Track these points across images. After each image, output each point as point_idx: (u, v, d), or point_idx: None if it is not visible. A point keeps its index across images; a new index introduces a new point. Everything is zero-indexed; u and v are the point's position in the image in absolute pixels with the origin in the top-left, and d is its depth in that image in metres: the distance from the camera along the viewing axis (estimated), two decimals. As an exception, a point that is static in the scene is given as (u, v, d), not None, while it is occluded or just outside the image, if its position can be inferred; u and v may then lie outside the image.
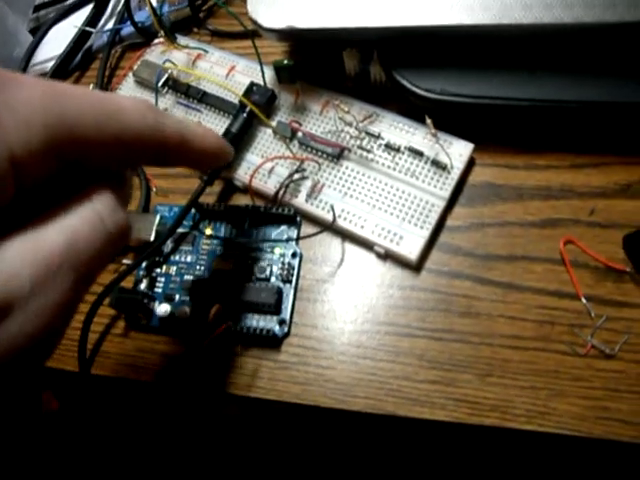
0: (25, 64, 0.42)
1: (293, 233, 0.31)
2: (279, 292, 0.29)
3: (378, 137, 0.31)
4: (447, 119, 0.30)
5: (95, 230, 0.16)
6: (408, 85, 0.29)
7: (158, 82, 0.36)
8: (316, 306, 0.29)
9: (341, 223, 0.30)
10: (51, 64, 0.41)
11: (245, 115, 0.32)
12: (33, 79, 0.16)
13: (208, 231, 0.32)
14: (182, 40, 0.38)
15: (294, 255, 0.30)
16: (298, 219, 0.31)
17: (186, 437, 0.49)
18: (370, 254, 0.30)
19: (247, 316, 0.29)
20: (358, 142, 0.31)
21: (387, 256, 0.29)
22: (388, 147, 0.30)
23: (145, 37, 0.39)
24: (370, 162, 0.30)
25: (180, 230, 0.32)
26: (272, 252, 0.30)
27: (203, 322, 0.30)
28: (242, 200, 0.33)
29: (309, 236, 0.30)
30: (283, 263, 0.30)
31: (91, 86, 0.39)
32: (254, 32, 0.32)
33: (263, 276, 0.30)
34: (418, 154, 0.30)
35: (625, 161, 0.29)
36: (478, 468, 0.42)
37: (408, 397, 0.26)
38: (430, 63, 0.29)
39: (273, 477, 0.50)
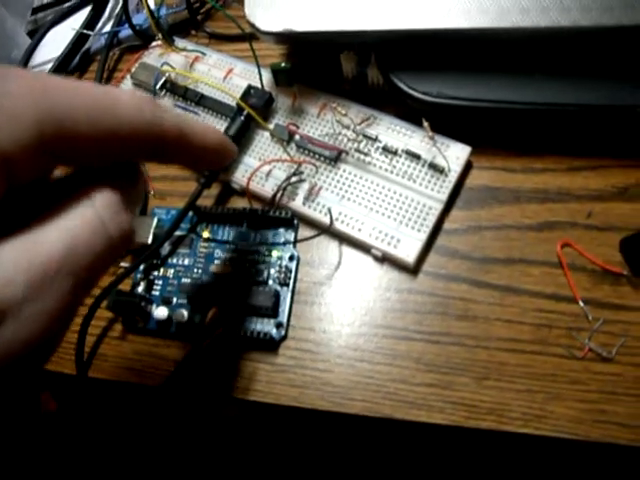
0: (23, 66, 0.42)
1: (290, 236, 0.31)
2: (276, 295, 0.29)
3: (375, 140, 0.31)
4: (444, 122, 0.30)
5: (95, 234, 0.16)
6: (405, 88, 0.29)
7: (156, 85, 0.36)
8: (313, 309, 0.29)
9: (338, 226, 0.30)
10: (49, 66, 0.41)
11: (242, 118, 0.32)
12: (24, 72, 0.15)
13: (206, 234, 0.32)
14: (180, 43, 0.38)
15: (291, 258, 0.30)
16: (295, 222, 0.31)
17: (184, 438, 0.49)
18: (367, 257, 0.30)
19: (244, 319, 0.29)
20: (355, 145, 0.31)
21: (384, 259, 0.29)
22: (385, 150, 0.30)
23: (143, 40, 0.39)
24: (367, 165, 0.30)
25: (178, 233, 0.32)
26: (269, 255, 0.30)
27: (200, 325, 0.30)
28: (240, 203, 0.33)
29: (306, 239, 0.30)
30: (280, 266, 0.30)
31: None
32: (252, 35, 0.32)
33: (260, 279, 0.30)
34: (415, 157, 0.30)
35: (622, 164, 0.29)
36: (475, 471, 0.42)
37: (405, 400, 0.26)
38: (427, 66, 0.29)
39: (271, 478, 0.50)
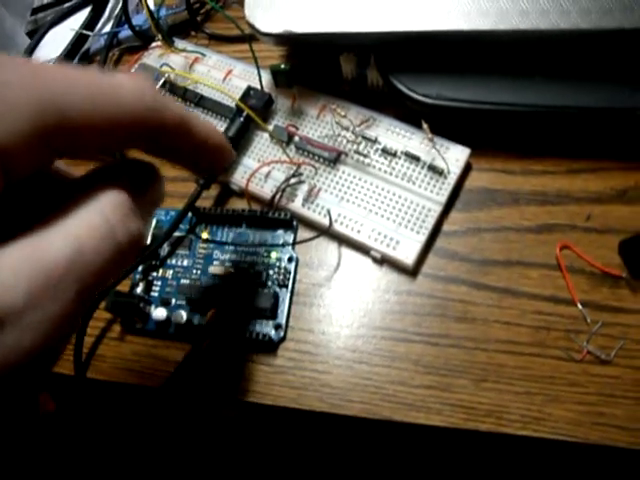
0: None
1: (289, 237, 0.31)
2: (275, 296, 0.29)
3: (375, 142, 0.31)
4: (444, 124, 0.30)
5: (103, 240, 0.15)
6: (405, 90, 0.29)
7: (155, 85, 0.36)
8: (312, 310, 0.29)
9: (337, 228, 0.30)
10: (49, 67, 0.41)
11: (242, 119, 0.32)
12: (20, 59, 0.14)
13: (205, 235, 0.32)
14: (179, 44, 0.38)
15: (290, 259, 0.30)
16: (294, 223, 0.31)
17: (183, 439, 0.49)
18: (366, 259, 0.30)
19: (243, 320, 0.29)
20: (355, 146, 0.31)
21: (383, 261, 0.29)
22: (385, 152, 0.30)
23: (143, 40, 0.39)
24: (367, 167, 0.30)
25: (177, 234, 0.32)
26: (268, 256, 0.30)
27: (199, 326, 0.30)
28: (239, 204, 0.33)
29: (305, 240, 0.30)
30: (279, 267, 0.30)
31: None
32: (251, 36, 0.32)
33: (259, 280, 0.30)
34: (415, 159, 0.30)
35: (621, 166, 0.29)
36: (473, 473, 0.42)
37: (404, 402, 0.26)
38: (427, 68, 0.29)
39: (271, 479, 0.50)
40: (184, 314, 0.30)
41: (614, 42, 0.27)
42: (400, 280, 0.29)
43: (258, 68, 0.32)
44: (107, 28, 0.42)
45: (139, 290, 0.31)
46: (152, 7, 0.37)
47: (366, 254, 0.30)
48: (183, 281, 0.31)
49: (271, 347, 0.29)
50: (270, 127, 0.33)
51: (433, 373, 0.27)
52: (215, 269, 0.30)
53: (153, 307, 0.31)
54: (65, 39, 0.41)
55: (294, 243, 0.31)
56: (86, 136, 0.15)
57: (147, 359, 0.30)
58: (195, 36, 0.39)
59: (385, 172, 0.30)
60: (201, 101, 0.35)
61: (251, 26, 0.31)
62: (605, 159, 0.29)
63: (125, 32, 0.40)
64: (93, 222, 0.15)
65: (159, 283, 0.31)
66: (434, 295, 0.28)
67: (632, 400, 0.25)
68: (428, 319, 0.28)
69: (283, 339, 0.29)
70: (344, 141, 0.31)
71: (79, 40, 0.41)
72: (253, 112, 0.31)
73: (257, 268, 0.30)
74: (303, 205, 0.31)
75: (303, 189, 0.31)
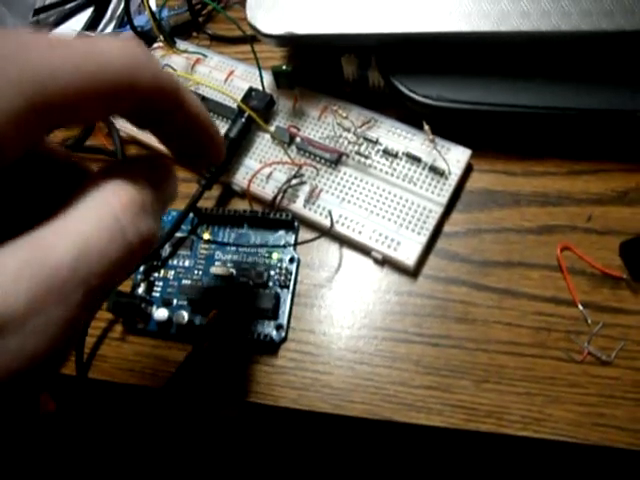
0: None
1: (291, 238, 0.31)
2: (277, 297, 0.29)
3: (376, 143, 0.31)
4: (445, 125, 0.30)
5: (112, 241, 0.14)
6: (406, 91, 0.29)
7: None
8: (313, 311, 0.29)
9: (339, 228, 0.30)
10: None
11: (243, 120, 0.32)
12: (2, 32, 0.13)
13: (206, 236, 0.32)
14: (181, 44, 0.38)
15: (292, 260, 0.30)
16: (296, 224, 0.31)
17: (184, 439, 0.49)
18: (367, 260, 0.30)
19: (245, 321, 0.29)
20: (356, 148, 0.31)
21: (384, 262, 0.29)
22: (386, 153, 0.30)
23: (144, 41, 0.39)
24: (368, 168, 0.30)
25: (178, 234, 0.32)
26: (270, 257, 0.30)
27: (201, 327, 0.30)
28: (240, 205, 0.33)
29: (307, 241, 0.30)
30: (281, 268, 0.30)
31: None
32: (253, 37, 0.32)
33: (261, 281, 0.30)
34: (416, 160, 0.30)
35: (622, 168, 0.29)
36: (474, 474, 0.42)
37: (404, 403, 0.27)
38: (428, 69, 0.29)
39: (271, 479, 0.50)
40: (185, 314, 0.30)
41: (615, 44, 0.27)
42: (401, 281, 0.29)
43: (260, 69, 0.33)
44: (109, 29, 0.42)
45: (141, 290, 0.31)
46: (154, 8, 0.37)
47: (367, 255, 0.30)
48: (185, 282, 0.31)
49: (272, 348, 0.29)
50: (272, 128, 0.33)
51: (434, 374, 0.27)
52: (216, 270, 0.30)
53: (155, 307, 0.31)
54: (67, 40, 0.41)
55: (295, 244, 0.31)
56: (73, 107, 0.14)
57: (148, 359, 0.30)
58: (197, 37, 0.39)
59: (386, 173, 0.30)
60: (203, 102, 0.35)
61: (253, 27, 0.31)
62: (606, 161, 0.29)
63: (127, 33, 0.40)
64: (102, 221, 0.14)
65: (161, 284, 0.31)
66: (435, 296, 0.28)
67: (632, 401, 0.25)
68: (429, 320, 0.28)
69: (284, 340, 0.29)
70: (345, 142, 0.31)
71: (81, 41, 0.41)
72: (255, 113, 0.31)
73: (258, 269, 0.30)
74: (304, 206, 0.31)
75: (304, 190, 0.31)
